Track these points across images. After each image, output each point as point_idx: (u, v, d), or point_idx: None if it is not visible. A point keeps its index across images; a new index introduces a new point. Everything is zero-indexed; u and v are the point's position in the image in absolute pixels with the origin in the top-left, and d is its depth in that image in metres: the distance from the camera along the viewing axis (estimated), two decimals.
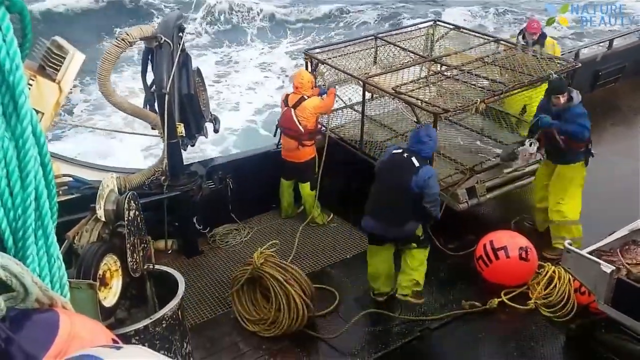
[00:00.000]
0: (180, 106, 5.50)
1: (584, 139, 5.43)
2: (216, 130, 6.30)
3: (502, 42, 6.57)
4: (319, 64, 6.46)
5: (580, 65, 6.19)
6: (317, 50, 6.81)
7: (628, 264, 3.97)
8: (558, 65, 5.87)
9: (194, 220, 5.91)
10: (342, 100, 6.89)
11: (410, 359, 4.67)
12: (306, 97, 6.09)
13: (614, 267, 3.77)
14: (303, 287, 4.83)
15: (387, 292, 5.21)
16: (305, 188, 6.42)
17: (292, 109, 6.11)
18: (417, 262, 4.96)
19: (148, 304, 3.89)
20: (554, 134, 5.40)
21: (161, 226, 5.71)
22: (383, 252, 5.09)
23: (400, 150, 4.88)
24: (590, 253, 3.95)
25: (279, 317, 4.77)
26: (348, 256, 6.00)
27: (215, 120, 6.26)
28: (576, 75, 6.08)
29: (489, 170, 5.99)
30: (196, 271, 5.80)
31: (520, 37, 7.01)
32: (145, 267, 3.80)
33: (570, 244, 4.04)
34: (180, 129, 5.47)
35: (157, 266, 4.01)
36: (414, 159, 4.71)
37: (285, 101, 6.25)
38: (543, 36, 7.04)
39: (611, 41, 9.34)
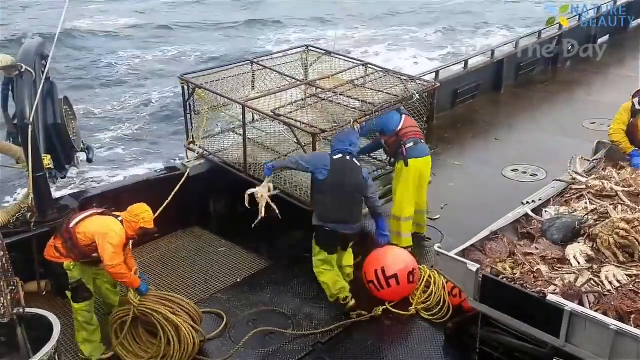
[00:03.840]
0: (47, 137, 5.21)
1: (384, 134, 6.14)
2: (90, 160, 6.01)
3: (369, 65, 7.01)
4: (196, 89, 6.43)
5: (439, 84, 6.79)
6: (193, 74, 6.78)
7: (491, 260, 4.40)
8: (420, 85, 6.40)
9: None
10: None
11: None
12: (119, 219, 4.72)
13: (479, 266, 4.16)
14: (192, 315, 4.74)
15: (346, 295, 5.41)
16: (69, 298, 4.80)
17: (96, 212, 4.84)
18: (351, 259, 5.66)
19: (20, 350, 3.62)
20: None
21: (31, 266, 5.30)
22: (335, 257, 5.45)
23: (340, 155, 5.25)
24: (458, 254, 4.31)
25: (170, 350, 4.61)
26: (238, 279, 5.98)
27: (88, 150, 5.98)
28: (437, 94, 6.66)
29: None
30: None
31: (636, 101, 6.23)
32: (15, 311, 3.53)
33: (440, 248, 4.39)
34: (47, 160, 5.16)
35: (29, 309, 3.75)
36: (355, 160, 5.28)
37: None
38: None
39: (466, 61, 10.34)
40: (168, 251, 6.44)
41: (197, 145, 6.77)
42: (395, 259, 5.52)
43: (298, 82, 6.74)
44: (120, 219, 4.74)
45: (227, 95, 6.43)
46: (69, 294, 4.73)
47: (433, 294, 5.38)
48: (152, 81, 17.54)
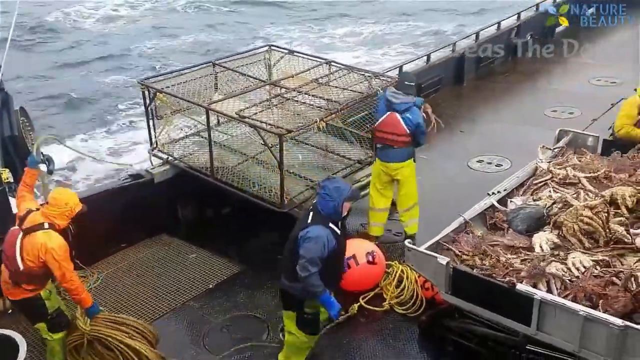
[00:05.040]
0: (4, 150, 5.04)
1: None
2: (50, 172, 5.82)
3: (332, 63, 7.00)
4: (157, 93, 6.30)
5: None
6: (153, 79, 6.65)
7: (460, 253, 4.44)
8: (384, 82, 6.41)
9: None
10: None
11: None
12: (46, 227, 4.35)
13: (449, 259, 4.20)
14: (147, 337, 4.62)
15: None
16: (43, 330, 4.54)
17: (22, 234, 4.36)
18: (290, 340, 4.54)
19: None
20: None
21: None
22: None
23: (311, 206, 4.45)
24: (428, 248, 4.34)
25: None
26: (210, 286, 5.90)
27: (48, 161, 5.79)
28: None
29: None
30: None
31: None
32: None
33: (410, 242, 4.42)
34: (6, 174, 4.99)
35: None
36: (310, 214, 4.27)
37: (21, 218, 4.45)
38: None
39: (429, 56, 10.42)
40: (136, 260, 6.30)
41: (161, 151, 6.67)
42: (351, 243, 5.57)
43: (262, 83, 6.69)
44: (46, 226, 4.35)
45: (190, 98, 6.33)
46: (43, 325, 4.45)
47: (406, 288, 5.43)
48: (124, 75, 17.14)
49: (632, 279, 3.82)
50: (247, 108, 5.99)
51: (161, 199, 6.50)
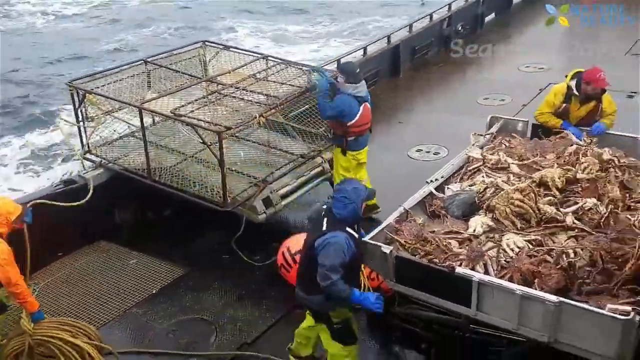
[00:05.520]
0: None
1: (323, 116, 6.12)
2: None
3: (269, 58, 6.94)
4: (87, 94, 6.06)
5: None
6: (82, 79, 6.38)
7: (404, 242, 4.52)
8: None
9: None
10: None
11: None
12: None
13: (392, 247, 4.26)
14: (91, 337, 4.52)
15: (304, 355, 4.58)
16: None
17: None
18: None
19: None
20: None
21: None
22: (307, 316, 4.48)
23: (325, 207, 4.25)
24: (371, 239, 4.39)
25: None
26: (154, 291, 5.74)
27: None
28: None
29: (280, 178, 6.28)
30: None
31: (573, 84, 5.80)
32: None
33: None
34: None
35: None
36: (325, 220, 4.07)
37: None
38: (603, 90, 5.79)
39: (365, 48, 10.53)
40: (74, 270, 6.06)
41: (94, 154, 6.42)
42: (299, 238, 5.55)
43: (198, 79, 6.55)
44: None
45: (123, 98, 6.12)
46: None
47: None
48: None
49: (564, 255, 4.01)
50: (183, 106, 5.85)
51: (97, 204, 6.26)
